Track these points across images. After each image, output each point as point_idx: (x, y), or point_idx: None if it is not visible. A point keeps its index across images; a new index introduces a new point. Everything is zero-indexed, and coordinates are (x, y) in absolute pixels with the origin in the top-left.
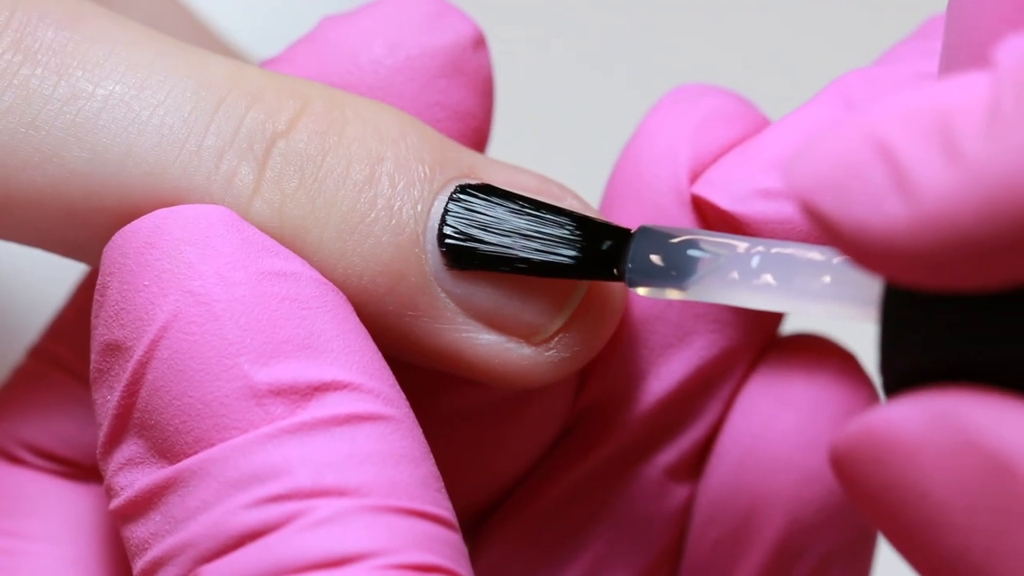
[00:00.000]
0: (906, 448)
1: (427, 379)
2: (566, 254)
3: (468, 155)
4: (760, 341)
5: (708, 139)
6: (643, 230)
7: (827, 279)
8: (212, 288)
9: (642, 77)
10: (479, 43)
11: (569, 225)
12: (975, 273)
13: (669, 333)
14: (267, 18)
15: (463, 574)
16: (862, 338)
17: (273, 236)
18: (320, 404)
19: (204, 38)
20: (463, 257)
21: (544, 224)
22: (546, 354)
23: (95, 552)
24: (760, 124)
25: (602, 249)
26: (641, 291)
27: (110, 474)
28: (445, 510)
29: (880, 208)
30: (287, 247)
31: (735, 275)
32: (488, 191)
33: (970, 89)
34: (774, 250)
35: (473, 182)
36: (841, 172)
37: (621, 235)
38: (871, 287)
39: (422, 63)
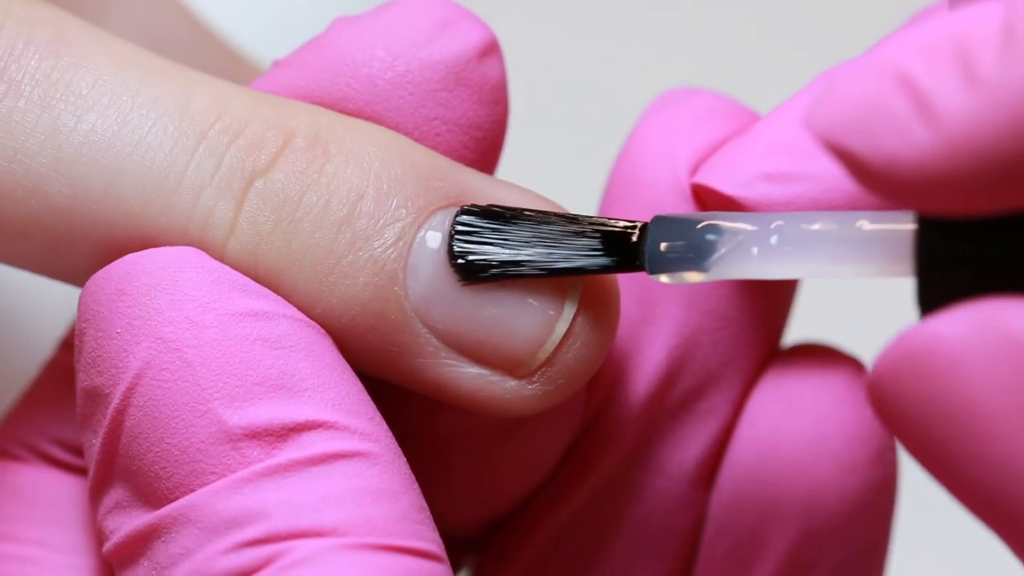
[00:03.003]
0: (951, 356)
1: (426, 398)
2: (582, 253)
3: (459, 179)
4: (766, 339)
5: (703, 136)
6: (658, 218)
7: (847, 240)
8: (182, 334)
9: (642, 86)
10: (487, 51)
11: (581, 225)
12: (1006, 193)
13: (675, 332)
14: (267, 19)
15: None
16: (869, 347)
17: (251, 275)
18: (296, 444)
19: (204, 38)
20: (477, 268)
21: (555, 226)
22: (529, 387)
23: None
24: (750, 120)
25: (619, 242)
26: (663, 278)
27: (100, 517)
28: (428, 542)
29: (907, 138)
30: (264, 285)
31: (755, 250)
32: (493, 208)
33: (984, 16)
34: (790, 221)
35: (478, 205)
36: (865, 109)
37: (636, 227)
38: (893, 242)
39: (422, 76)
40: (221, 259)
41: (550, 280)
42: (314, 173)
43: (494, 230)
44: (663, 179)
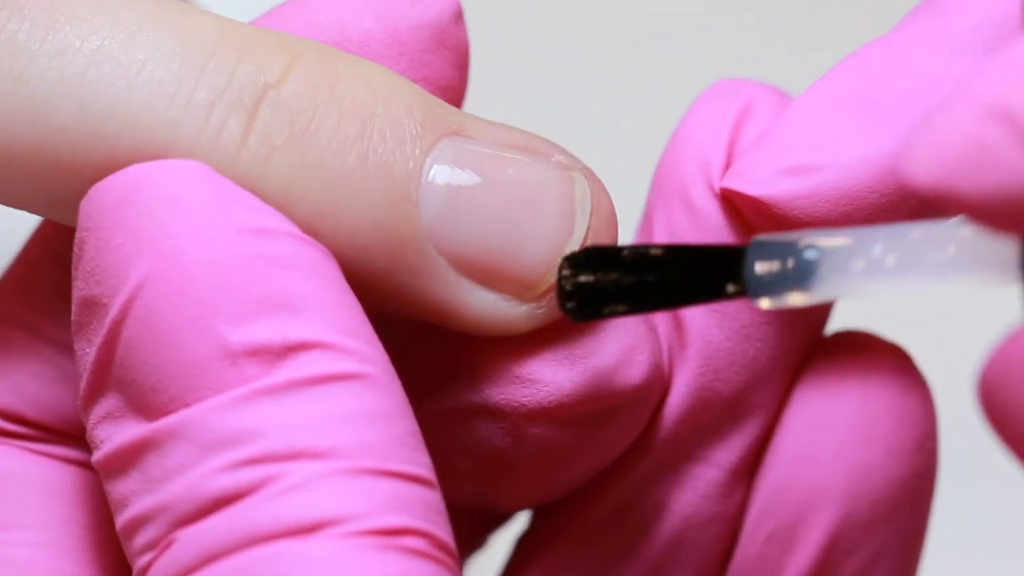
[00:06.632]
0: None
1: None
2: (684, 280)
3: (456, 113)
4: (812, 332)
5: (743, 136)
6: (756, 242)
7: (951, 250)
8: (186, 247)
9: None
10: (459, 16)
11: (681, 255)
12: None
13: (721, 335)
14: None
15: (436, 533)
16: (908, 334)
17: (260, 190)
18: (295, 364)
19: None
20: (593, 299)
21: (654, 257)
22: (538, 311)
23: (70, 535)
24: None
25: (716, 269)
26: (764, 303)
27: (91, 426)
28: (422, 467)
29: (1013, 171)
30: (274, 201)
31: (858, 266)
32: (595, 249)
33: None
34: (890, 233)
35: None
36: (966, 149)
37: (732, 252)
38: (998, 249)
39: (410, 38)
40: (232, 171)
41: (557, 202)
42: (326, 88)
43: (606, 265)
44: (698, 181)
